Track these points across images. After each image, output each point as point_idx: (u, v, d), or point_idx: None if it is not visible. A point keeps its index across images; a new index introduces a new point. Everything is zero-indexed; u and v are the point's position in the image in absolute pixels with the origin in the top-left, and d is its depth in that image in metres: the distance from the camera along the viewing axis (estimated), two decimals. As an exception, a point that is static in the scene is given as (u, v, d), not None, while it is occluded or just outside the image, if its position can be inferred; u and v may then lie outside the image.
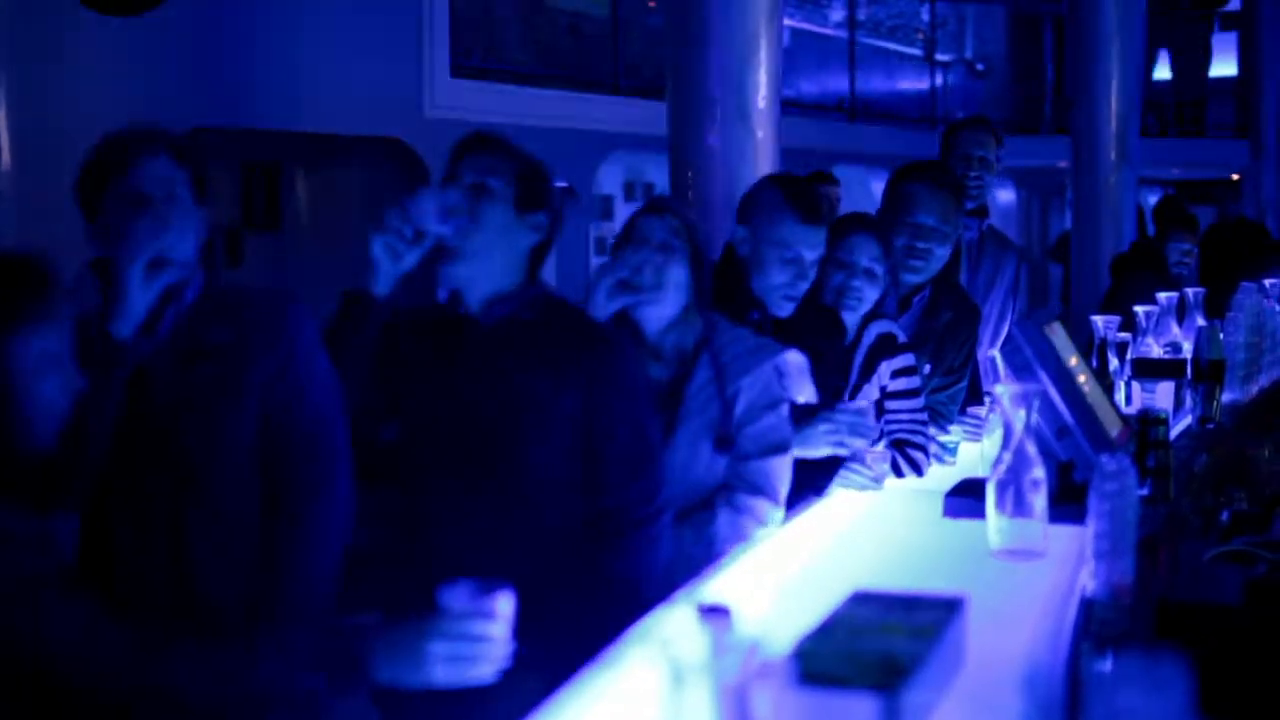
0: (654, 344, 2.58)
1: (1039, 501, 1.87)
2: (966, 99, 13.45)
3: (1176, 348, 3.42)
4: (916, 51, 13.52)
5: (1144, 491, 2.20)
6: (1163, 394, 3.05)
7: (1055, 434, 2.13)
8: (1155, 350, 3.29)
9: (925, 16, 13.56)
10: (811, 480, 2.64)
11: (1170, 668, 1.14)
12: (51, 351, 1.75)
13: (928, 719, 1.28)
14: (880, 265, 2.93)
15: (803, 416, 2.64)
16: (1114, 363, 3.03)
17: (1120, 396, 3.00)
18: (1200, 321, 3.49)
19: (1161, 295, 3.55)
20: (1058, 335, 2.23)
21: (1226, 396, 3.18)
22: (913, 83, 13.28)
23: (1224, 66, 13.33)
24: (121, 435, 2.05)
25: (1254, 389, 3.46)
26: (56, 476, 1.88)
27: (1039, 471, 1.88)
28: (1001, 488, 1.88)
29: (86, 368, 1.82)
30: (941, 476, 2.60)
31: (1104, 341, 3.02)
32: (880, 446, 2.81)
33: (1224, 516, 2.43)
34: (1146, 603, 1.80)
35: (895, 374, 2.94)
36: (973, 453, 2.81)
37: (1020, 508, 1.87)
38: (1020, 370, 2.12)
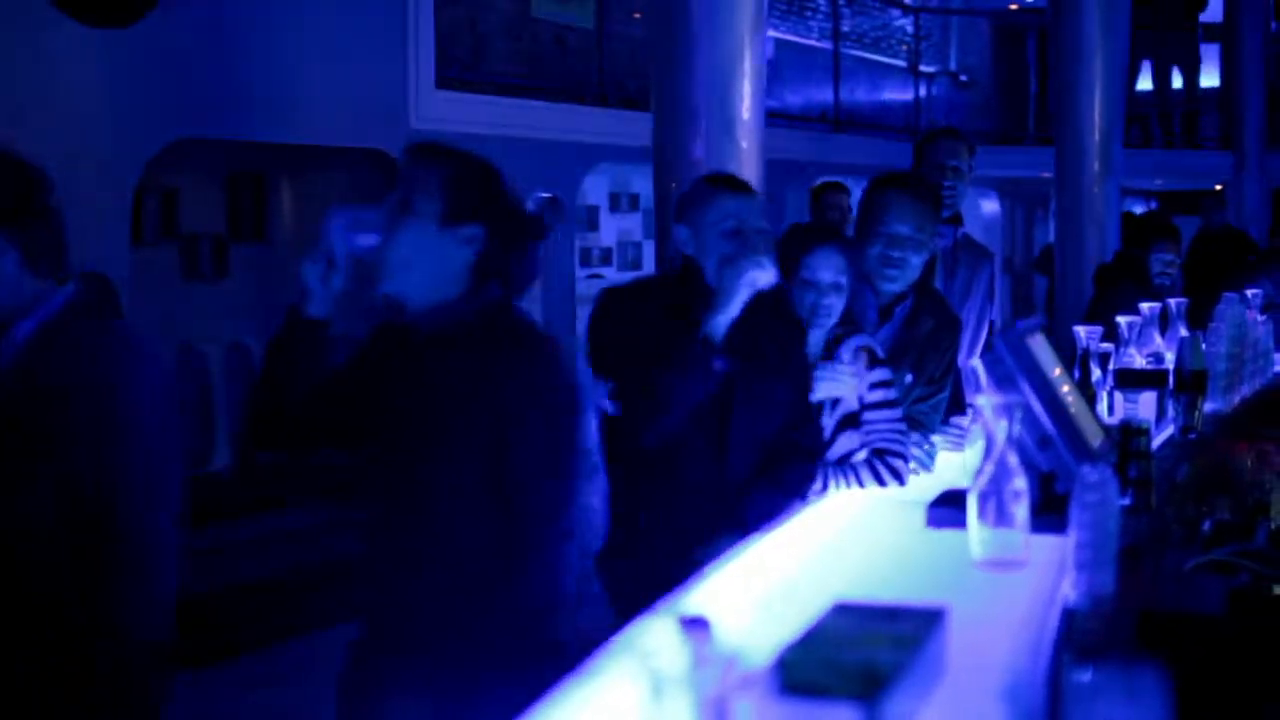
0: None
1: (1021, 512, 1.88)
2: (950, 110, 13.51)
3: (1159, 358, 3.43)
4: (901, 63, 13.57)
5: (1126, 502, 2.21)
6: (1145, 404, 3.06)
7: (1037, 444, 2.13)
8: (1138, 360, 3.30)
9: (909, 28, 13.62)
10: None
11: (1149, 678, 1.14)
12: None
13: (909, 730, 1.28)
14: (845, 275, 2.95)
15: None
16: (1096, 373, 3.04)
17: (1103, 407, 3.00)
18: (1183, 332, 3.50)
19: (1144, 305, 3.56)
20: (1040, 346, 2.24)
21: (1209, 406, 3.19)
22: (897, 94, 13.33)
23: (1207, 78, 13.41)
24: None
25: (1236, 399, 3.48)
26: None
27: (1021, 482, 1.88)
28: (983, 498, 1.88)
29: None
30: (924, 487, 2.61)
31: (1086, 352, 3.03)
32: (860, 455, 2.86)
33: (1206, 526, 2.44)
34: (1128, 613, 1.80)
35: (873, 386, 2.98)
36: (955, 463, 2.81)
37: (1002, 518, 1.87)
38: (1002, 381, 2.13)
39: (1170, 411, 3.10)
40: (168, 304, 7.12)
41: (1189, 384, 3.08)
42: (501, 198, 2.37)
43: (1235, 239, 8.82)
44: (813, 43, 12.23)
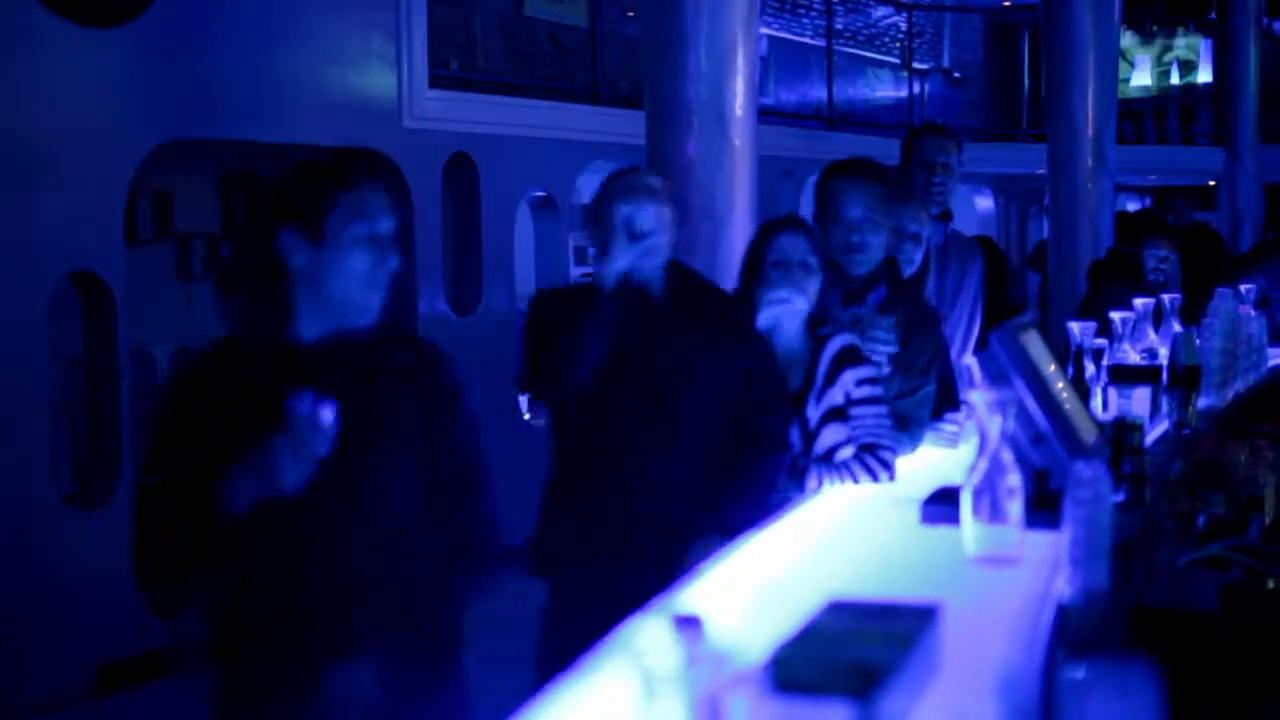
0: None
1: (1015, 508, 1.88)
2: (944, 106, 13.51)
3: (1153, 354, 3.44)
4: (894, 59, 13.58)
5: (1119, 498, 2.21)
6: (1139, 400, 3.06)
7: (1031, 441, 2.14)
8: (1132, 356, 3.30)
9: (903, 25, 13.63)
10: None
11: (1142, 675, 1.14)
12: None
13: (903, 727, 1.28)
14: (813, 257, 3.06)
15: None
16: (1090, 369, 3.05)
17: (1097, 403, 3.01)
18: (1177, 328, 3.51)
19: (1138, 301, 3.57)
20: (1034, 342, 2.24)
21: (1202, 402, 3.19)
22: (890, 91, 13.34)
23: (1200, 74, 13.44)
24: None
25: (1230, 394, 3.48)
26: None
27: (1015, 478, 1.88)
28: (977, 495, 1.88)
29: None
30: (918, 484, 2.61)
31: (1080, 348, 3.03)
32: (847, 451, 2.89)
33: (1200, 521, 2.44)
34: (1122, 609, 1.80)
35: (860, 382, 3.03)
36: (949, 460, 2.81)
37: (996, 514, 1.87)
38: (996, 377, 2.13)
39: (1164, 407, 3.11)
40: (162, 304, 7.12)
41: (1183, 380, 3.08)
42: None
43: (1208, 238, 8.83)
44: (806, 39, 12.23)
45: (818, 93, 11.95)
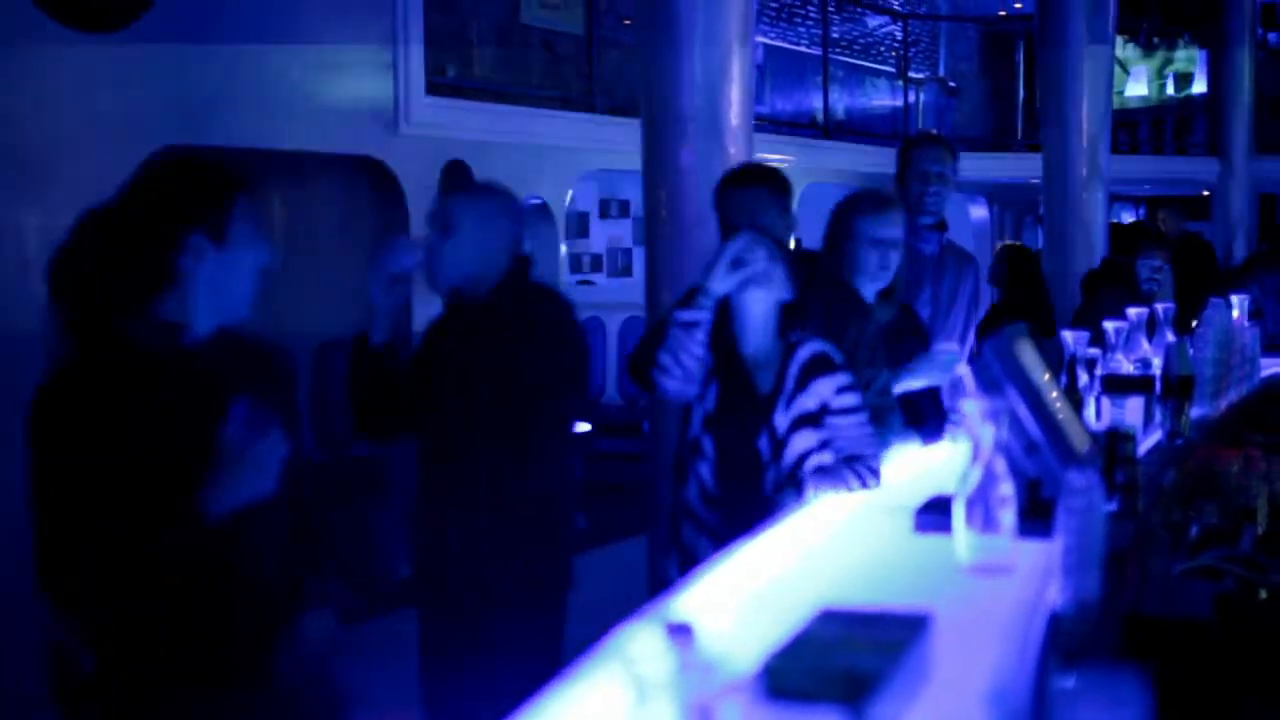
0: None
1: (1007, 517, 1.88)
2: (939, 116, 13.54)
3: (1146, 364, 3.44)
4: (890, 69, 13.61)
5: (1112, 507, 2.22)
6: (1132, 410, 3.07)
7: (1024, 450, 2.14)
8: (1125, 366, 3.30)
9: (899, 34, 13.66)
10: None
11: (1132, 684, 1.15)
12: None
13: (894, 735, 1.28)
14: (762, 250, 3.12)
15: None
16: (1084, 378, 3.05)
17: (1090, 412, 3.01)
18: (1170, 338, 3.51)
19: (1131, 311, 3.57)
20: (1027, 352, 2.25)
21: (1196, 412, 3.20)
22: (886, 100, 13.36)
23: (1195, 84, 13.48)
24: None
25: (1223, 404, 3.49)
26: None
27: (1007, 487, 1.89)
28: (970, 504, 1.88)
29: None
30: (912, 492, 2.61)
31: (1074, 357, 3.04)
32: (824, 457, 2.91)
33: (1193, 531, 2.45)
34: (1114, 618, 1.81)
35: (840, 391, 3.01)
36: (943, 468, 2.81)
37: (989, 523, 1.88)
38: (989, 387, 2.13)
39: (1157, 417, 3.11)
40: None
41: (1176, 389, 3.08)
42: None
43: (1200, 248, 8.85)
44: (802, 48, 12.26)
45: (813, 102, 11.97)
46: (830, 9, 12.21)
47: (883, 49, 13.85)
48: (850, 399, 3.02)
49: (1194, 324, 3.53)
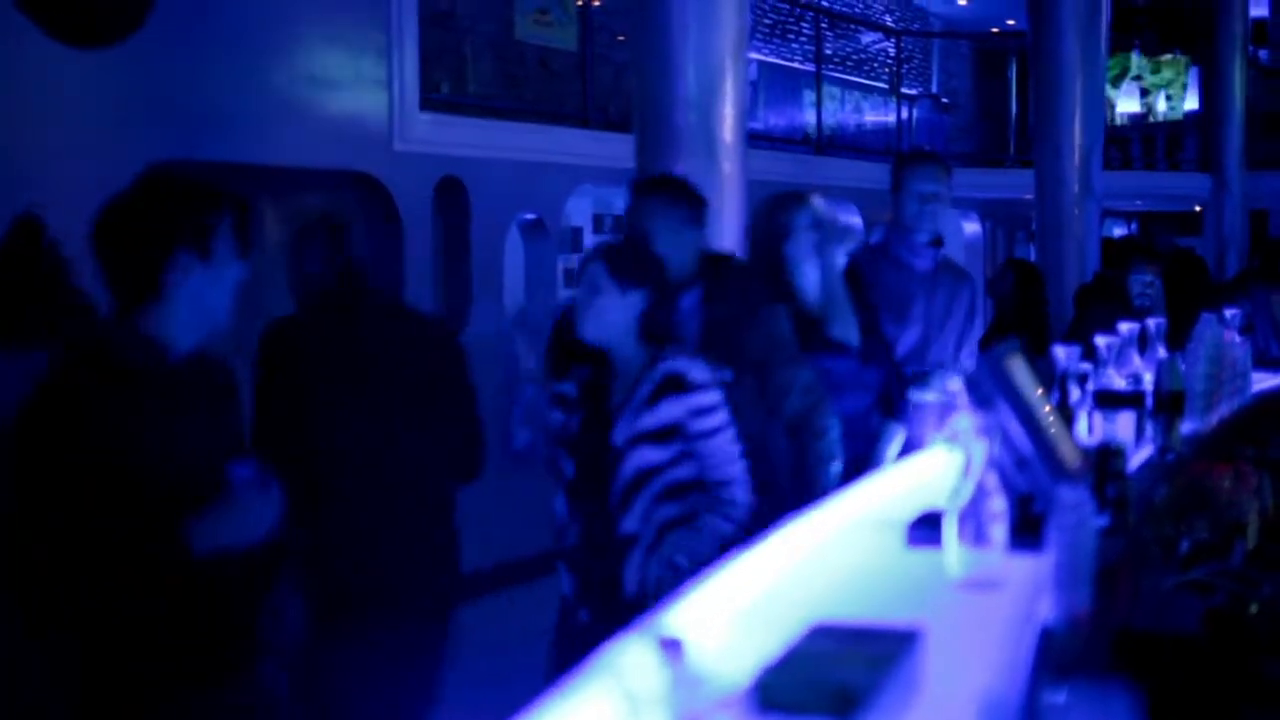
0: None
1: (999, 532, 1.89)
2: (932, 132, 13.58)
3: (1138, 378, 3.45)
4: (883, 85, 13.66)
5: (1103, 522, 2.22)
6: (1123, 425, 3.08)
7: (1015, 465, 2.15)
8: (1117, 381, 3.32)
9: (892, 50, 13.71)
10: None
11: (1123, 699, 1.15)
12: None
13: (885, 750, 1.28)
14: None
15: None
16: (1075, 394, 3.06)
17: (1081, 427, 3.02)
18: (1161, 352, 3.52)
19: (1123, 326, 3.58)
20: (1019, 367, 2.26)
21: (1187, 427, 3.21)
22: (879, 116, 13.41)
23: (1187, 101, 13.54)
24: None
25: (1214, 419, 3.50)
26: None
27: (999, 503, 1.89)
28: (962, 518, 1.89)
29: None
30: (902, 507, 2.61)
31: (1065, 372, 3.04)
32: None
33: (1184, 546, 2.46)
34: (1105, 633, 1.81)
35: (697, 413, 2.94)
36: (935, 484, 2.82)
37: (980, 538, 1.88)
38: (981, 402, 2.14)
39: (1149, 432, 3.12)
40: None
41: (1167, 404, 3.09)
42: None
43: (1191, 263, 8.87)
44: (796, 65, 12.30)
45: (806, 117, 12.01)
46: (824, 25, 12.26)
47: (876, 65, 13.90)
48: (711, 420, 2.94)
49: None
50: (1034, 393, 2.25)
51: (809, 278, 3.60)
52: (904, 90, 13.51)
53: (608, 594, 2.92)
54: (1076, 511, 1.71)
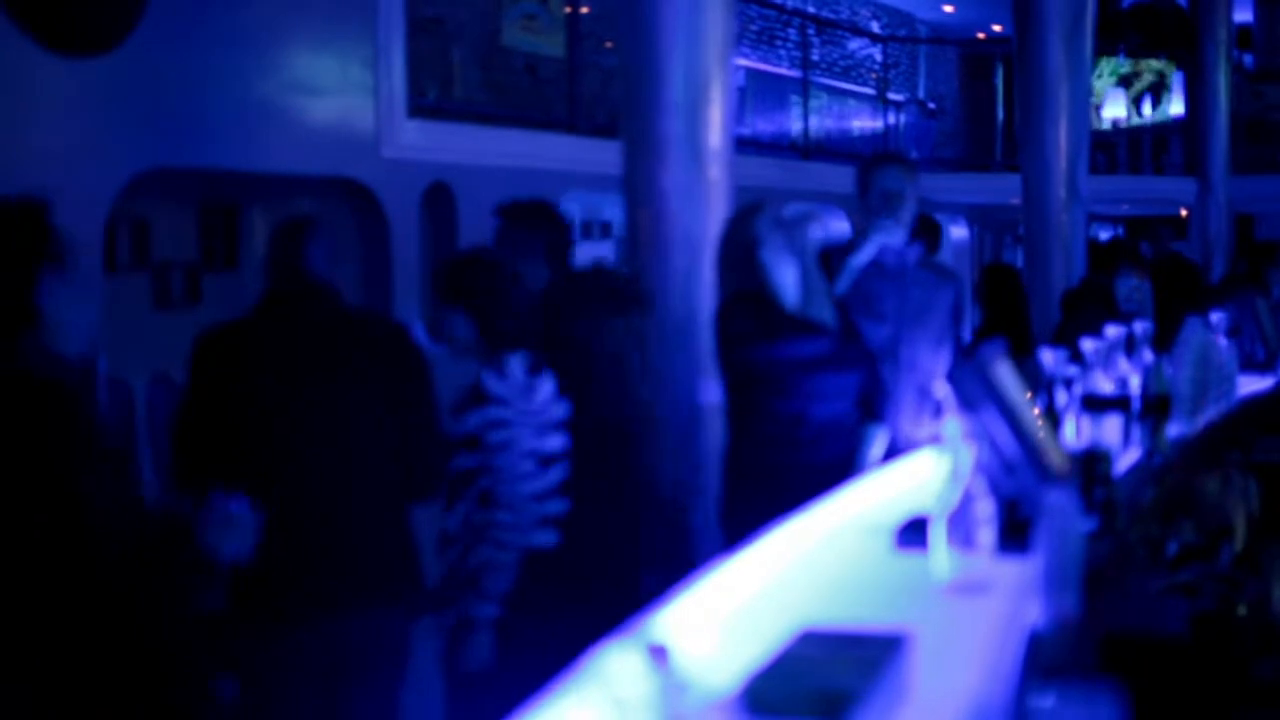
0: None
1: (986, 536, 1.89)
2: (919, 137, 13.62)
3: (1125, 382, 3.46)
4: (870, 91, 13.69)
5: (1090, 526, 2.23)
6: (1110, 428, 3.09)
7: (1002, 469, 2.15)
8: (1104, 385, 3.33)
9: (878, 57, 13.74)
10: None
11: (1109, 701, 1.16)
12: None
13: (873, 754, 1.29)
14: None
15: None
16: (1062, 397, 3.07)
17: (1068, 431, 3.03)
18: (1148, 356, 3.54)
19: (1110, 330, 3.59)
20: (1004, 371, 2.26)
21: (1173, 430, 3.22)
22: (866, 122, 13.44)
23: (1173, 106, 13.60)
24: None
25: (1200, 423, 3.51)
26: None
27: (986, 507, 1.90)
28: (949, 522, 1.89)
29: None
30: (890, 512, 2.62)
31: (1052, 376, 3.05)
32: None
33: (1171, 549, 2.46)
34: (1091, 636, 1.82)
35: (488, 425, 3.03)
36: (923, 489, 2.82)
37: (968, 542, 1.89)
38: (967, 406, 2.14)
39: (1135, 435, 3.13)
40: (139, 332, 7.09)
41: (1154, 408, 3.11)
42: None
43: (1184, 266, 8.91)
44: (783, 71, 12.32)
45: (794, 124, 12.03)
46: (810, 32, 12.28)
47: (863, 71, 13.93)
48: (500, 435, 3.01)
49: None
50: (1020, 396, 2.25)
51: (788, 278, 3.60)
52: (891, 96, 13.55)
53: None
54: (1064, 515, 1.72)
